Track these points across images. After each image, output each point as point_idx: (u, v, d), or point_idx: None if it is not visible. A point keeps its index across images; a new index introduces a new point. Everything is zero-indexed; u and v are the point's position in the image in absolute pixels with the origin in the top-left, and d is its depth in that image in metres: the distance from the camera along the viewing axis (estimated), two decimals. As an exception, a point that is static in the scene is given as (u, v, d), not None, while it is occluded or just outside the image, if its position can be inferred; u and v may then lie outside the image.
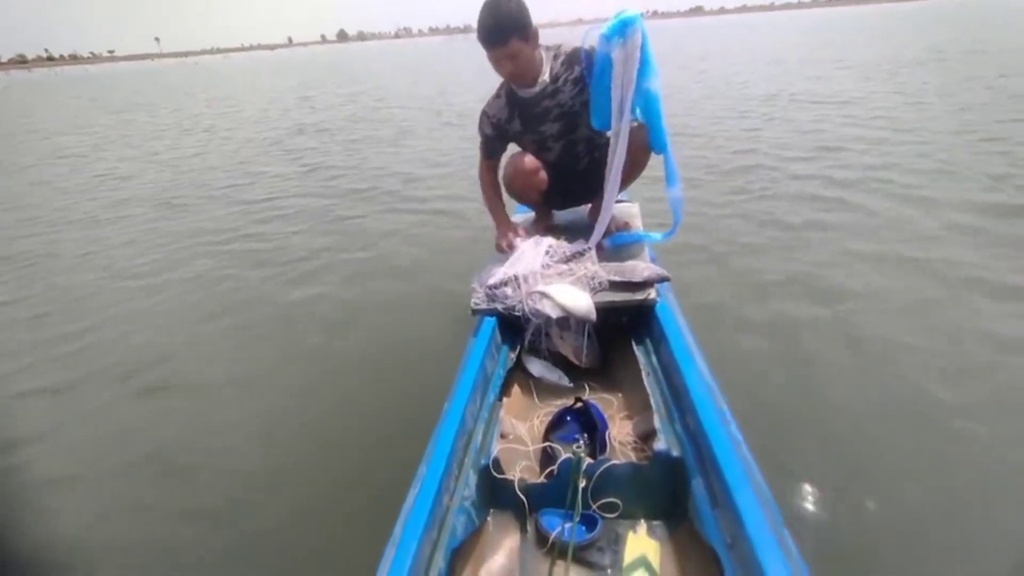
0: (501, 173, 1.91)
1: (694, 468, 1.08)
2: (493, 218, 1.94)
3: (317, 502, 1.57)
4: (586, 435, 1.44)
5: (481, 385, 1.40)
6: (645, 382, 1.37)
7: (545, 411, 1.53)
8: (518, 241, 1.75)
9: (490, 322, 1.59)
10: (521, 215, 2.32)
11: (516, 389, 1.62)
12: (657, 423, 1.22)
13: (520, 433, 1.45)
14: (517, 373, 1.65)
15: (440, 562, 0.98)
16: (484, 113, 1.84)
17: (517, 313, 1.57)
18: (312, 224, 3.99)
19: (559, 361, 1.66)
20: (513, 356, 1.60)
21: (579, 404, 1.45)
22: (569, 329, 1.60)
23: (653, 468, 1.15)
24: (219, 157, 6.83)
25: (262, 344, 2.47)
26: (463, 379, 1.34)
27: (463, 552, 1.09)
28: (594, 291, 1.56)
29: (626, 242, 1.82)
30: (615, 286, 1.57)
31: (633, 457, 1.31)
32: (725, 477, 0.94)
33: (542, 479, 1.24)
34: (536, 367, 1.66)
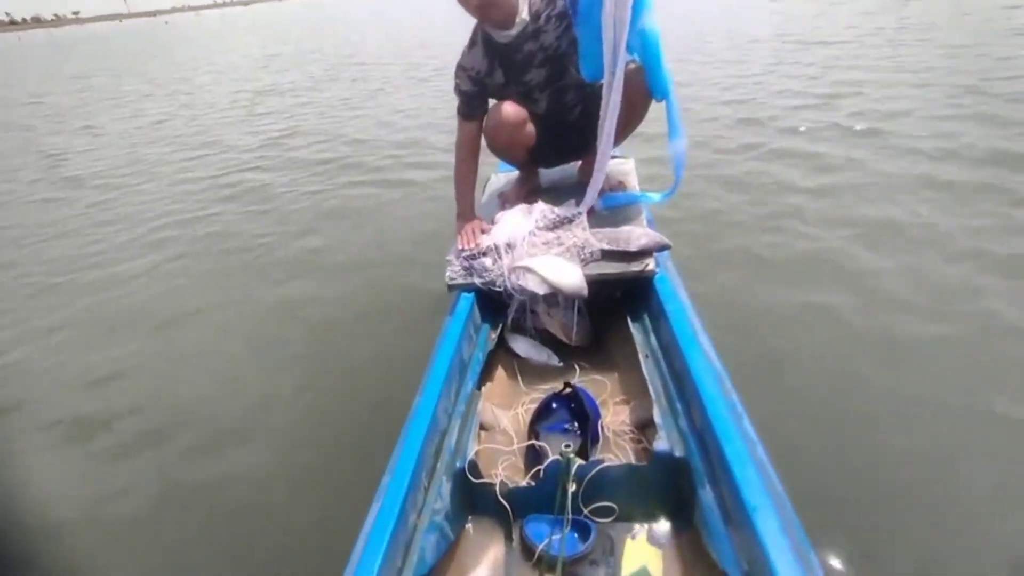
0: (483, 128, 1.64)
1: (701, 472, 0.93)
2: (458, 202, 1.63)
3: (266, 519, 1.39)
4: (576, 424, 1.29)
5: (457, 372, 1.23)
6: (643, 365, 1.21)
7: (531, 397, 1.37)
8: (484, 238, 1.47)
9: (468, 299, 1.41)
10: (504, 174, 2.09)
11: (499, 372, 1.45)
12: (657, 416, 1.06)
13: (503, 424, 1.29)
14: (500, 354, 1.48)
15: None
16: (459, 67, 1.58)
17: (498, 288, 1.38)
18: (264, 196, 3.68)
19: (547, 339, 1.49)
20: (494, 336, 1.43)
21: (568, 390, 1.29)
22: (557, 305, 1.42)
23: (653, 469, 0.99)
24: (183, 124, 6.42)
25: (204, 330, 2.25)
26: (436, 367, 1.17)
27: (439, 568, 0.95)
28: (584, 262, 1.38)
29: (620, 204, 1.62)
30: (608, 256, 1.38)
31: (630, 452, 1.15)
32: (740, 489, 0.78)
33: (527, 481, 1.08)
34: (521, 346, 1.49)
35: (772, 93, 4.57)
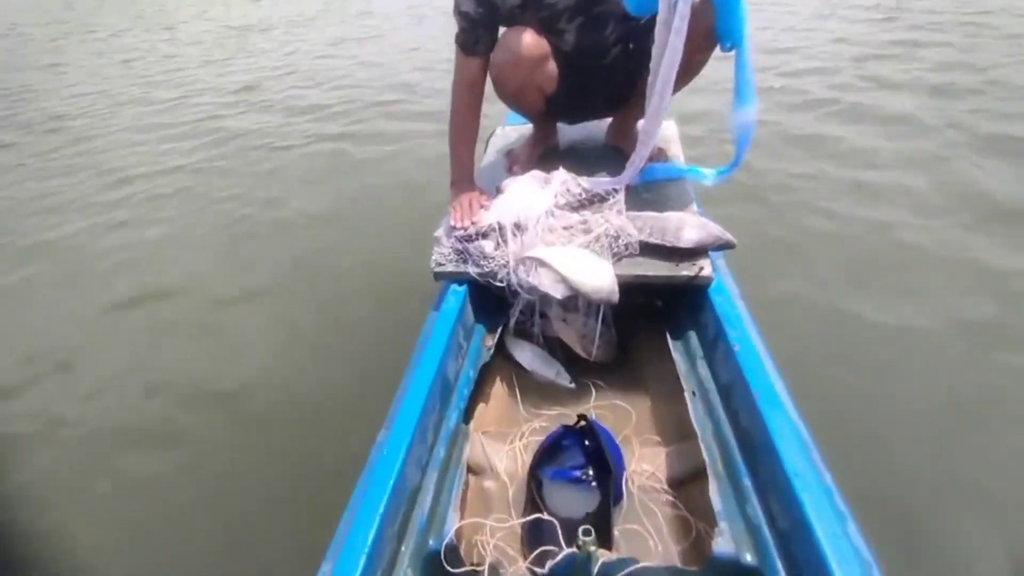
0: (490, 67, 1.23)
1: None
2: (452, 164, 1.26)
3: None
4: (591, 472, 0.99)
5: (438, 400, 0.91)
6: (689, 407, 0.90)
7: (533, 426, 1.07)
8: (485, 215, 1.12)
9: (458, 293, 1.08)
10: (513, 127, 1.70)
11: (494, 389, 1.14)
12: (714, 493, 0.76)
13: (496, 466, 0.98)
14: (496, 363, 1.16)
15: None
16: None
17: (499, 283, 1.05)
18: (235, 148, 3.16)
19: (558, 348, 1.17)
20: (491, 343, 1.11)
21: (582, 423, 0.99)
22: (576, 310, 1.09)
23: None
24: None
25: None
26: (410, 394, 0.85)
27: None
28: (617, 256, 1.04)
29: (660, 178, 1.26)
30: (649, 251, 1.04)
31: (665, 529, 0.86)
32: None
33: (527, 567, 0.79)
34: (525, 355, 1.17)
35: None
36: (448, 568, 0.72)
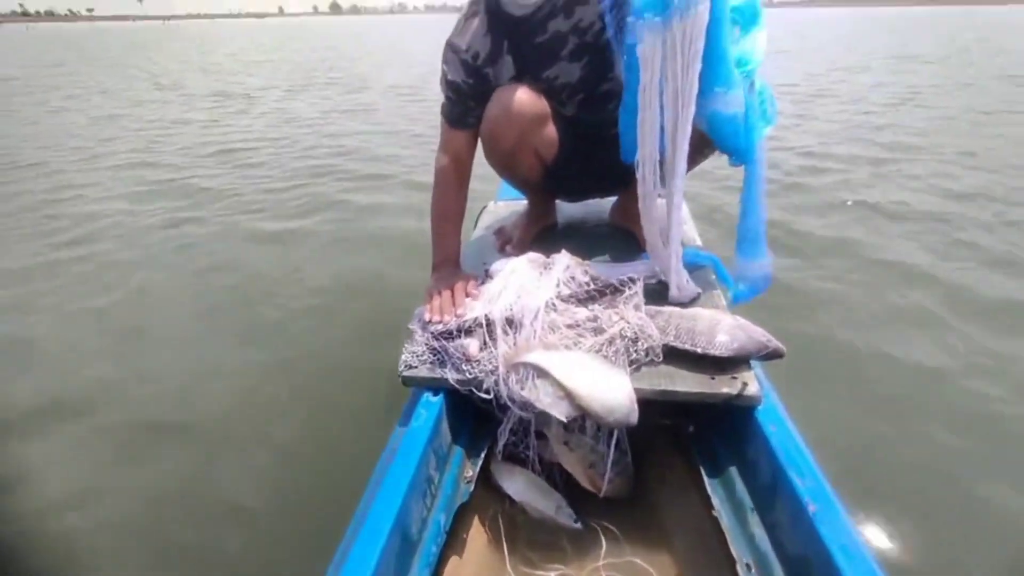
0: (481, 129, 1.08)
1: None
2: (434, 245, 1.10)
3: None
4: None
5: (395, 556, 0.65)
6: None
7: (525, 594, 0.78)
8: (469, 303, 0.93)
9: (433, 405, 0.84)
10: (505, 202, 1.55)
11: (473, 534, 0.86)
12: None
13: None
14: (478, 498, 0.90)
15: None
16: (449, 47, 1.04)
17: (486, 395, 0.81)
18: (193, 215, 2.82)
19: (557, 476, 0.91)
20: (471, 475, 0.85)
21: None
22: (582, 431, 0.85)
23: None
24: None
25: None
26: (351, 564, 0.59)
27: None
28: (636, 364, 0.82)
29: (683, 263, 1.07)
30: (676, 358, 0.83)
31: None
32: None
33: None
34: (516, 483, 0.90)
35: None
36: None
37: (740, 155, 0.90)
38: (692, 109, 0.81)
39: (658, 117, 0.85)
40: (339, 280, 2.06)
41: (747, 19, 0.84)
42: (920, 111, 4.96)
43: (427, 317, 0.91)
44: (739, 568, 0.66)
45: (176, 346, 1.72)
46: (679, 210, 0.91)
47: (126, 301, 2.00)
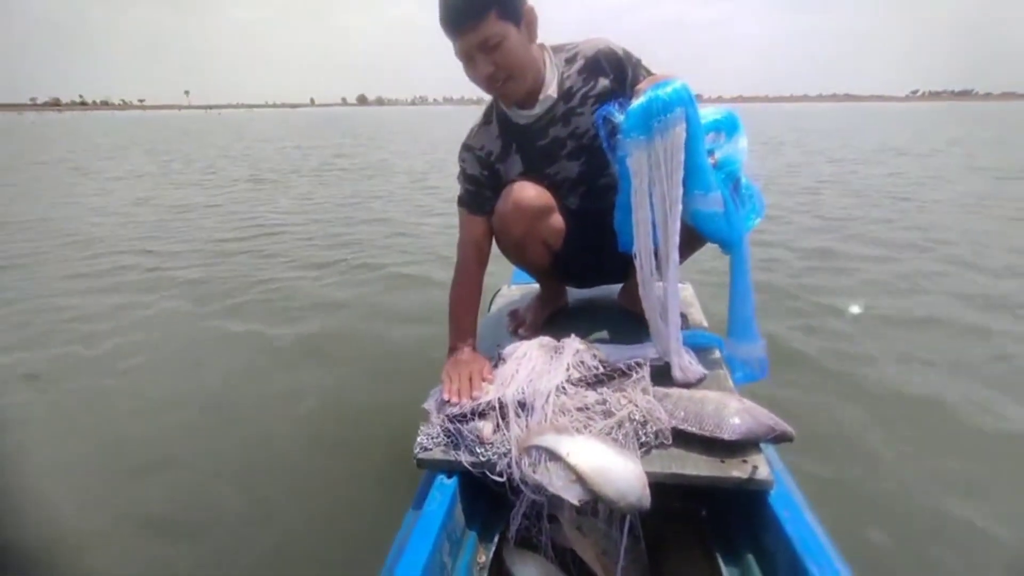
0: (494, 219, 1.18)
1: None
2: (451, 330, 1.15)
3: None
4: None
5: None
6: None
7: None
8: (484, 386, 0.97)
9: (447, 488, 0.85)
10: (518, 287, 1.62)
11: (486, 625, 0.84)
12: None
13: None
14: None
15: None
16: (465, 148, 1.18)
17: (499, 477, 0.83)
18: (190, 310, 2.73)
19: (570, 563, 0.90)
20: (484, 561, 0.85)
21: None
22: (595, 515, 0.85)
23: None
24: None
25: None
26: None
27: None
28: (646, 448, 0.84)
29: (690, 344, 1.11)
30: (684, 441, 0.85)
31: None
32: None
33: None
34: (529, 571, 0.89)
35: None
36: None
37: (726, 245, 0.99)
38: (679, 208, 0.91)
39: (649, 215, 0.94)
40: (357, 355, 2.12)
41: (728, 128, 0.96)
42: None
43: (444, 398, 0.95)
44: None
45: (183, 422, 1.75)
46: (676, 297, 0.97)
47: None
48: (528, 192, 1.11)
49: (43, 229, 4.53)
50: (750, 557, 0.79)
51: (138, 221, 4.91)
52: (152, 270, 3.40)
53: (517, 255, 1.21)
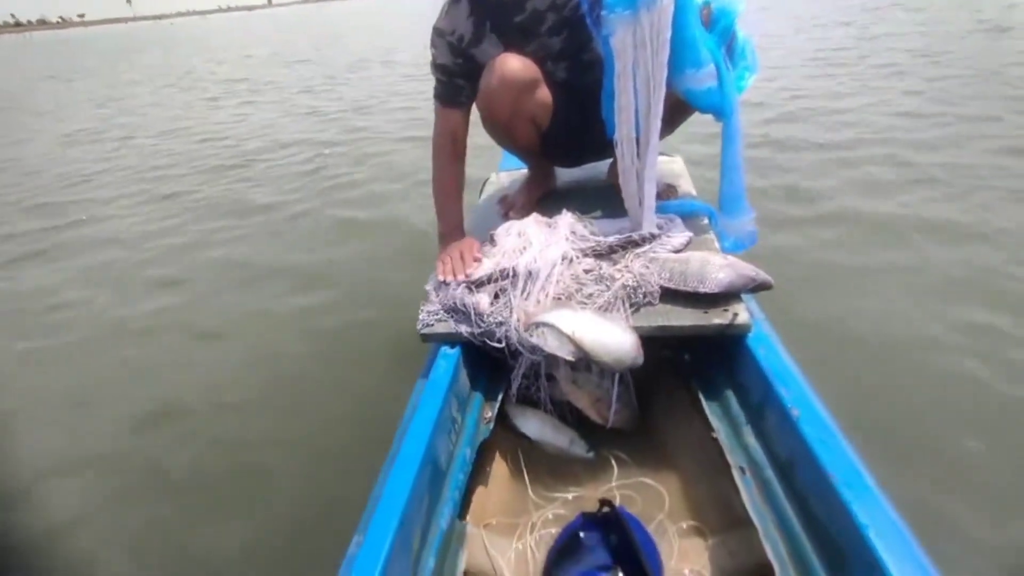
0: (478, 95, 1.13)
1: None
2: (439, 217, 1.17)
3: None
4: (621, 572, 0.80)
5: (425, 492, 0.74)
6: (741, 490, 0.72)
7: (545, 516, 0.88)
8: (480, 266, 1.01)
9: (450, 357, 0.93)
10: (507, 172, 1.61)
11: (496, 468, 0.96)
12: None
13: (501, 572, 0.79)
14: (498, 438, 0.99)
15: None
16: (437, 33, 1.10)
17: (498, 343, 0.90)
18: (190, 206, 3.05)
19: (568, 414, 1.00)
20: (490, 416, 0.94)
21: (606, 509, 0.81)
22: (588, 369, 0.93)
23: None
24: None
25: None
26: (390, 490, 0.68)
27: None
28: (636, 307, 0.89)
29: (679, 213, 1.13)
30: (671, 298, 0.90)
31: None
32: None
33: None
34: (532, 424, 0.99)
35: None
36: None
37: (718, 114, 0.97)
38: (663, 92, 0.89)
39: (632, 102, 0.92)
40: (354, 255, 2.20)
41: None
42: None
43: (440, 277, 0.99)
44: (734, 473, 0.74)
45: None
46: (652, 182, 0.98)
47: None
48: (513, 64, 1.06)
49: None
50: (729, 393, 0.87)
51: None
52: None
53: (505, 135, 1.19)
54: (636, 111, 0.95)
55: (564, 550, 0.80)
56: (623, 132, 0.97)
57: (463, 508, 0.80)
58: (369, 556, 0.60)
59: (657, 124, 0.94)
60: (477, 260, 1.03)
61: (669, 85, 0.91)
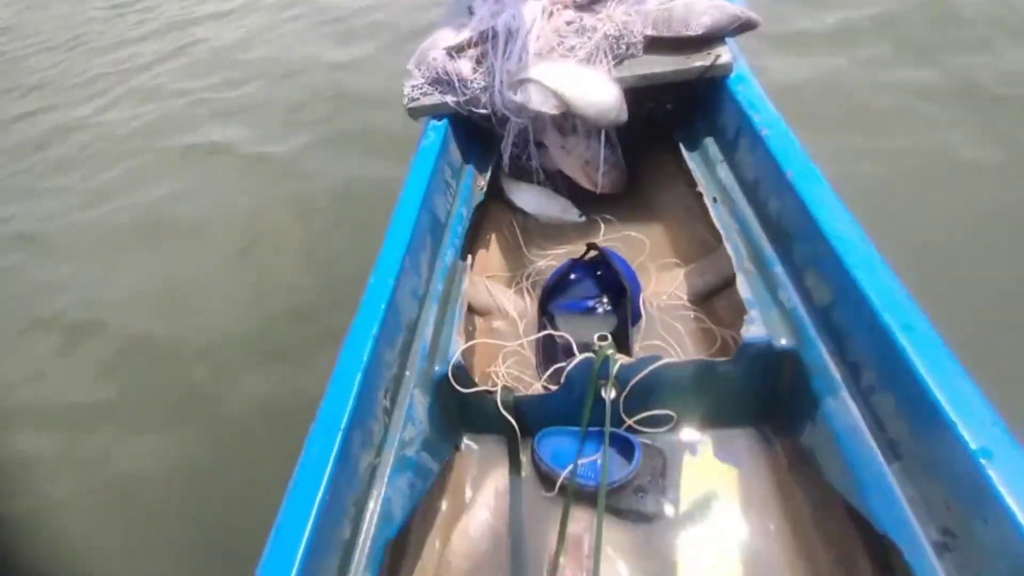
0: None
1: (825, 369, 0.58)
2: None
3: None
4: (606, 299, 0.93)
5: (429, 235, 0.83)
6: (711, 211, 0.80)
7: (540, 266, 0.99)
8: (456, 34, 0.98)
9: (438, 128, 0.95)
10: None
11: (492, 235, 1.05)
12: (743, 287, 0.68)
13: (502, 305, 0.92)
14: (493, 209, 1.07)
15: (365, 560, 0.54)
16: None
17: (484, 110, 0.92)
18: None
19: (561, 185, 1.06)
20: (483, 183, 1.00)
21: (592, 252, 0.91)
22: (576, 133, 0.96)
23: (740, 367, 0.65)
24: None
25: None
26: (396, 229, 0.77)
27: (420, 514, 0.66)
28: (619, 59, 0.89)
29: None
30: (655, 47, 0.89)
31: (687, 338, 0.80)
32: (931, 401, 0.44)
33: (541, 384, 0.75)
34: (525, 196, 1.06)
35: None
36: (457, 387, 0.68)
37: None
38: None
39: None
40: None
41: None
42: None
43: (423, 47, 0.98)
44: (708, 202, 0.82)
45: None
46: None
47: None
48: None
49: None
50: (708, 141, 0.91)
51: None
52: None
53: None
54: None
55: (555, 287, 0.91)
56: None
57: (463, 254, 0.89)
58: (383, 275, 0.70)
59: None
60: (464, 26, 1.00)
61: None
